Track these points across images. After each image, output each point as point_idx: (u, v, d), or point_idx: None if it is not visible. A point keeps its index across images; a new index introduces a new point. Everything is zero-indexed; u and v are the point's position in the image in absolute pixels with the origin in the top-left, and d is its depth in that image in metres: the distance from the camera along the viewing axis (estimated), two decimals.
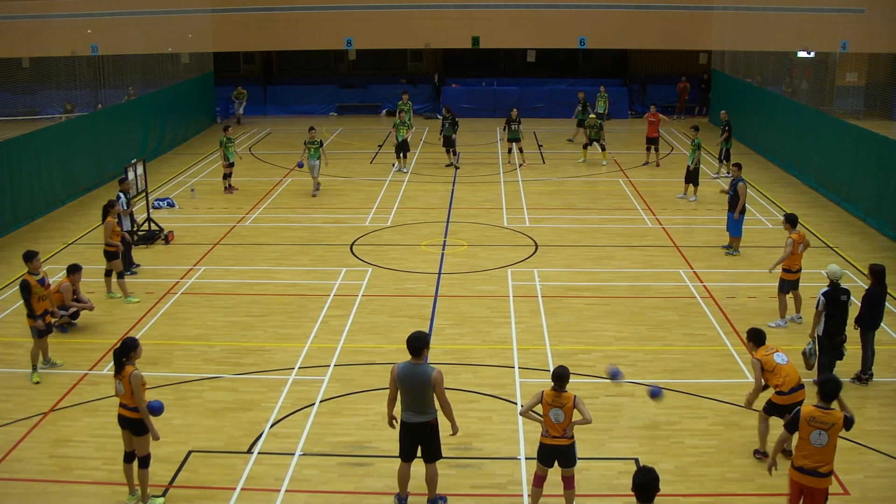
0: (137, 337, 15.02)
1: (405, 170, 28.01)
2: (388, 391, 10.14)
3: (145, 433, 10.10)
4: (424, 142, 33.38)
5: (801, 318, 15.69)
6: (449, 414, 9.93)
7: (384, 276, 18.22)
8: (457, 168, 28.20)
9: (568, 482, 9.91)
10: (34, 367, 13.55)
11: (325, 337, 15.18)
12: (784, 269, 15.47)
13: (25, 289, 13.42)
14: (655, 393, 10.66)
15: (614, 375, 10.81)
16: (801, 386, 10.90)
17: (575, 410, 9.70)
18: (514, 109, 28.69)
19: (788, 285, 15.57)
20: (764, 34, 32.55)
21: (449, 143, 28.44)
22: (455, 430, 10.08)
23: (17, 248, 20.14)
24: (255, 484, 10.79)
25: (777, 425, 10.95)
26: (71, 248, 20.18)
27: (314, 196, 24.67)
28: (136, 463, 10.23)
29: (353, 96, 40.63)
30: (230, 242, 20.68)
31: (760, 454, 11.26)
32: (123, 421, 10.18)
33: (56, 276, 17.73)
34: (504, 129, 29.15)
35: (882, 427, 12.13)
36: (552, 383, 9.78)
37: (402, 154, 27.97)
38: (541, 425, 9.89)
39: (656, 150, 28.52)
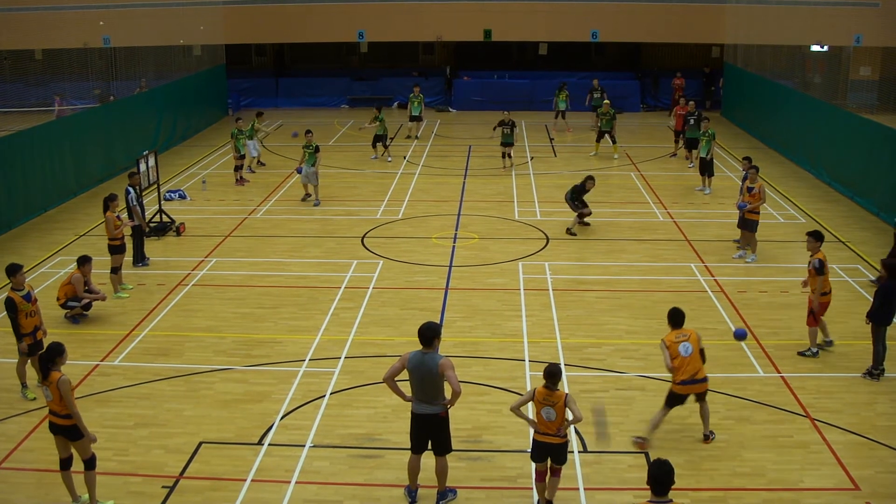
0: (149, 328, 15.19)
1: (389, 158, 28.51)
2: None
3: (81, 437, 9.89)
4: (436, 134, 33.36)
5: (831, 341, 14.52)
6: (452, 399, 9.79)
7: (395, 269, 18.23)
8: (511, 166, 27.08)
9: (555, 471, 9.95)
10: (23, 384, 12.86)
11: (335, 329, 15.20)
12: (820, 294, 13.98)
13: (10, 307, 12.46)
14: (741, 335, 11.97)
15: (740, 336, 12.11)
16: (691, 381, 11.20)
17: (567, 409, 9.67)
18: (507, 112, 27.50)
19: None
20: (777, 27, 32.39)
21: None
22: (448, 405, 9.95)
23: (30, 239, 20.26)
24: (265, 475, 10.82)
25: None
26: (83, 240, 20.25)
27: (303, 200, 23.41)
28: (70, 468, 10.10)
29: (364, 89, 40.57)
30: (241, 234, 20.71)
31: (640, 440, 11.51)
32: (56, 428, 9.95)
33: (68, 267, 17.81)
34: (494, 130, 27.50)
35: (893, 423, 12.07)
36: (544, 381, 9.75)
37: (381, 144, 28.50)
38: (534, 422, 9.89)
39: (683, 143, 28.32)
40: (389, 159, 28.41)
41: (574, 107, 35.44)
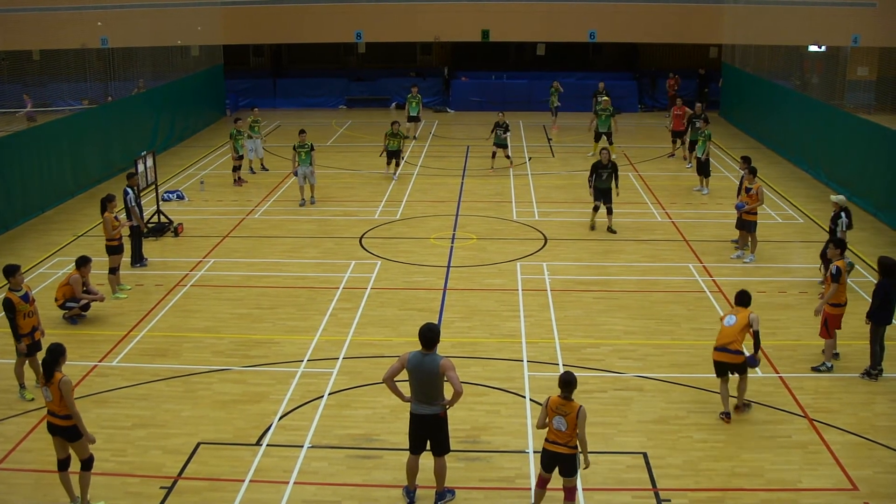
0: (147, 329, 15.18)
1: (395, 175, 26.21)
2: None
3: (79, 438, 9.86)
4: (434, 135, 33.36)
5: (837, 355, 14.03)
6: (453, 399, 9.76)
7: (393, 269, 18.23)
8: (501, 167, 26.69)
9: (569, 493, 9.68)
10: (21, 385, 12.83)
11: (333, 329, 15.20)
12: (833, 304, 13.52)
13: (8, 308, 12.45)
14: (752, 363, 11.98)
15: (752, 364, 12.06)
16: (723, 349, 11.90)
17: (577, 421, 9.41)
18: (502, 113, 27.16)
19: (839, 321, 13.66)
20: (775, 28, 32.43)
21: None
22: (447, 405, 9.92)
23: (28, 239, 20.24)
24: (263, 476, 10.81)
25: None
26: (81, 240, 20.23)
27: (301, 206, 23.00)
28: (68, 469, 10.07)
29: (362, 89, 40.61)
30: (239, 235, 20.71)
31: (724, 415, 12.03)
32: (54, 429, 9.92)
33: (66, 268, 17.80)
34: (492, 133, 26.83)
35: (892, 423, 12.08)
36: (559, 390, 9.56)
37: (394, 161, 26.25)
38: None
39: (683, 143, 28.34)
40: (395, 176, 26.31)
41: (573, 107, 35.50)
